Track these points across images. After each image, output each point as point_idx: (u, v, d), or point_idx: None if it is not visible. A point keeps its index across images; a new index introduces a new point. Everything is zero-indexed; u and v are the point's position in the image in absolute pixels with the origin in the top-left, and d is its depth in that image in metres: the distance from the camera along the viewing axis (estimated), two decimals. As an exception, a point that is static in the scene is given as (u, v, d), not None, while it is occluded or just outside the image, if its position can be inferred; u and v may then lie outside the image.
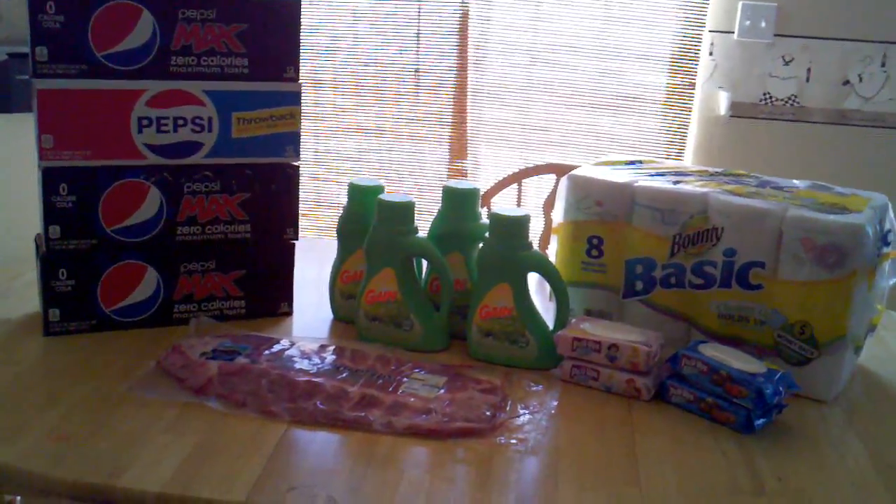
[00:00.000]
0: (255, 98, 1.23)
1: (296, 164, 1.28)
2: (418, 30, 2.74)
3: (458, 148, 2.85)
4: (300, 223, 1.32)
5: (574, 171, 1.31)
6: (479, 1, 2.72)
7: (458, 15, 2.74)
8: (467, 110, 2.81)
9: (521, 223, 1.19)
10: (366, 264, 1.25)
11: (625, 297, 1.27)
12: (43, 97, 1.13)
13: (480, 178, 2.87)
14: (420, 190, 2.88)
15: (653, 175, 1.31)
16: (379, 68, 2.81)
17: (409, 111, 2.83)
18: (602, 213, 1.27)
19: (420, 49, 2.75)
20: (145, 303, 1.23)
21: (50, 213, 1.16)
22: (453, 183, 1.29)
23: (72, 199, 1.16)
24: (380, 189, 1.29)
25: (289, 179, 1.28)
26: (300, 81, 1.25)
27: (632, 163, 1.39)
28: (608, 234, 1.27)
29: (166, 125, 1.19)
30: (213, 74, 1.20)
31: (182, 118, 1.19)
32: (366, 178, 1.32)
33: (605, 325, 1.19)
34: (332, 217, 2.93)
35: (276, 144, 1.26)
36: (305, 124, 1.24)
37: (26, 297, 1.28)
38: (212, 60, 1.19)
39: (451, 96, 2.80)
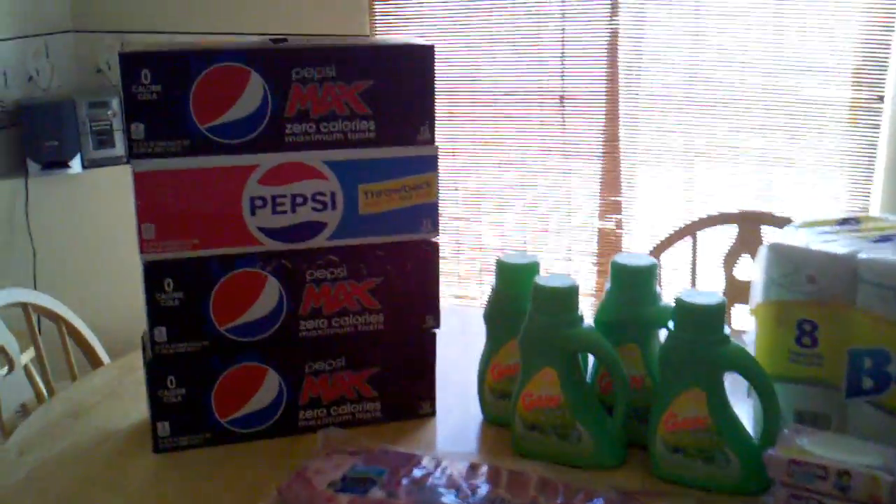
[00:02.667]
0: (385, 167, 1.04)
1: (434, 240, 1.08)
2: (562, 52, 2.51)
3: (611, 181, 2.60)
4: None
5: (777, 240, 1.05)
6: (630, 18, 2.46)
7: (607, 34, 2.49)
8: (619, 139, 2.55)
9: (716, 312, 0.95)
10: (521, 361, 1.03)
11: (849, 396, 1.01)
12: (141, 180, 0.97)
13: (637, 215, 2.61)
14: (569, 230, 2.65)
15: (879, 241, 1.04)
16: (520, 96, 2.59)
17: (554, 142, 2.61)
18: (816, 292, 1.01)
19: (565, 73, 2.52)
20: (266, 410, 1.06)
21: (155, 313, 1.00)
22: (624, 258, 1.06)
23: (178, 295, 1.00)
24: (534, 268, 1.08)
25: (427, 259, 1.08)
26: (436, 144, 1.05)
27: (845, 221, 1.12)
28: (824, 319, 1.01)
29: (283, 205, 1.01)
30: (334, 142, 1.01)
31: (301, 195, 1.01)
32: (518, 255, 1.11)
33: (828, 440, 0.93)
34: (471, 262, 2.73)
35: (411, 219, 1.06)
36: (441, 159, 1.04)
37: (139, 397, 1.13)
38: (333, 126, 1.01)
39: (601, 124, 2.56)
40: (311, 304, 1.05)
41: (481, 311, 1.12)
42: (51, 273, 2.60)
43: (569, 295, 1.00)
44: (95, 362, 1.31)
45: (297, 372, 1.06)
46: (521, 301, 1.06)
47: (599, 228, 2.66)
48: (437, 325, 1.11)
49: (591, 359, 1.07)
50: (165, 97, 0.95)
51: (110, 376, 1.21)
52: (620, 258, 1.06)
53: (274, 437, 1.06)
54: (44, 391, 1.29)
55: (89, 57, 2.98)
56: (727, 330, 0.96)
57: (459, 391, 1.16)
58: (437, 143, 1.05)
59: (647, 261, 1.05)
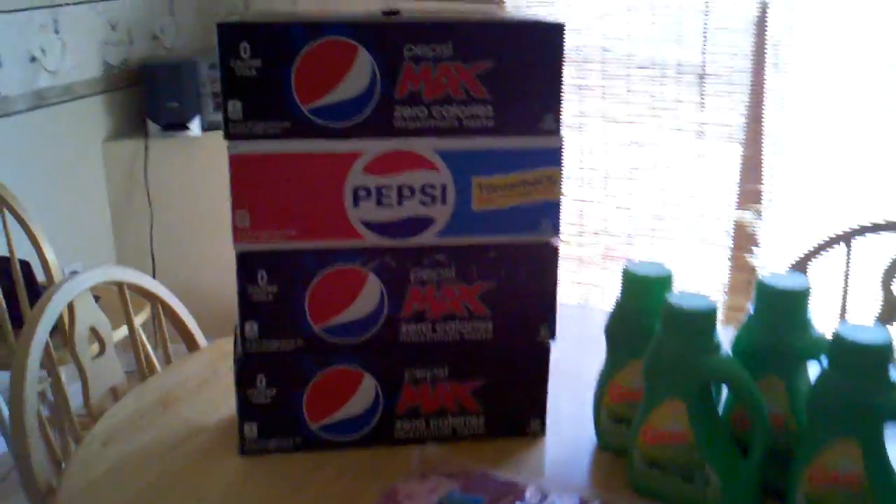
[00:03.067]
0: (503, 158, 0.92)
1: (554, 242, 0.97)
2: (705, 23, 2.31)
3: (751, 168, 2.40)
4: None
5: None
6: (783, -11, 2.26)
7: (756, 4, 2.28)
8: (763, 123, 2.35)
9: (881, 354, 0.80)
10: (645, 387, 0.91)
11: None
12: (237, 164, 0.89)
13: (777, 209, 2.40)
14: (701, 218, 2.46)
15: None
16: (655, 71, 2.42)
17: (691, 123, 2.42)
18: None
19: (707, 47, 2.33)
20: (361, 418, 0.97)
21: (246, 307, 0.92)
22: (772, 278, 0.92)
23: (272, 289, 0.92)
24: (667, 281, 0.95)
25: (545, 263, 0.97)
26: (562, 135, 0.93)
27: None
28: None
29: (389, 196, 0.91)
30: (448, 129, 0.91)
31: (409, 187, 0.91)
32: (648, 264, 0.98)
33: None
34: (594, 246, 2.59)
35: (529, 217, 0.95)
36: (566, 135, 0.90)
37: (231, 389, 1.05)
38: (447, 111, 0.90)
39: (744, 105, 2.36)
40: (414, 306, 0.95)
41: (601, 314, 1.01)
42: (166, 236, 2.60)
43: (706, 319, 0.87)
44: (192, 346, 1.26)
45: (395, 379, 0.97)
46: (648, 317, 0.93)
47: (735, 219, 2.47)
48: (553, 337, 1.00)
49: (724, 390, 0.94)
50: (265, 73, 0.87)
51: (204, 363, 1.15)
52: (768, 279, 0.92)
53: (367, 448, 0.98)
54: (151, 363, 1.24)
55: (214, 16, 2.96)
56: (893, 374, 0.81)
57: (572, 409, 1.05)
58: (562, 134, 0.93)
59: (799, 283, 0.91)
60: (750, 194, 2.44)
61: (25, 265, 1.82)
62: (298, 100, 0.88)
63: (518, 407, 1.01)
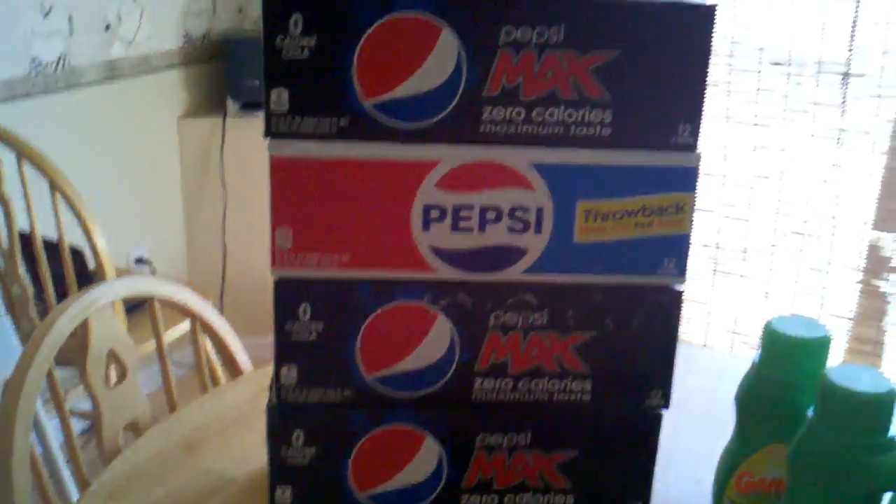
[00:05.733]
0: (620, 178, 0.72)
1: (679, 287, 0.75)
2: (855, 18, 2.04)
3: (893, 182, 2.12)
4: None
5: None
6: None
7: (915, -1, 2.00)
8: (915, 132, 2.07)
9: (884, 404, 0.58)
10: (788, 484, 0.70)
11: None
12: (280, 169, 0.70)
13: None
14: (832, 236, 2.19)
15: None
16: (792, 69, 2.15)
17: (829, 129, 2.15)
18: None
19: (854, 44, 2.05)
20: (419, 489, 0.79)
21: (285, 348, 0.74)
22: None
23: (317, 327, 0.74)
24: (824, 347, 0.73)
25: (665, 313, 0.76)
26: (699, 152, 0.72)
27: None
28: None
29: (468, 219, 0.72)
30: (550, 137, 0.70)
31: (495, 209, 0.71)
32: (798, 321, 0.76)
33: None
34: (705, 259, 2.34)
35: (649, 255, 0.74)
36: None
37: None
38: (551, 114, 0.70)
39: (893, 112, 2.08)
40: (492, 356, 0.75)
41: (709, 358, 0.80)
42: (240, 221, 2.46)
43: (881, 406, 0.65)
44: (234, 372, 1.09)
45: (465, 444, 0.78)
46: (797, 392, 0.72)
47: (871, 240, 2.19)
48: (666, 405, 0.78)
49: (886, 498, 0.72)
50: (321, 56, 0.68)
51: (243, 396, 0.98)
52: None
53: (425, 525, 0.79)
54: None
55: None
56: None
57: (679, 491, 0.84)
58: (700, 152, 0.72)
59: None
60: (890, 213, 2.15)
61: (77, 253, 1.69)
62: (360, 91, 0.68)
63: (616, 486, 0.81)
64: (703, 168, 0.76)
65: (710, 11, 0.68)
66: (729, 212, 2.33)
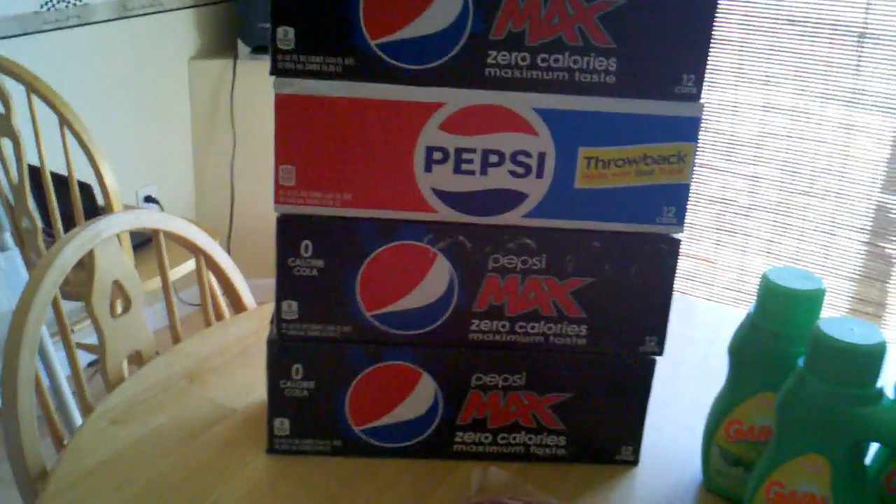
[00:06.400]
0: (623, 126, 0.72)
1: (676, 236, 0.76)
2: (871, -23, 2.01)
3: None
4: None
5: None
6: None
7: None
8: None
9: (873, 355, 0.61)
10: (775, 431, 0.71)
11: None
12: (285, 106, 0.71)
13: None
14: (837, 197, 2.18)
15: None
16: (806, 27, 2.13)
17: (842, 90, 2.13)
18: None
19: (871, 3, 2.03)
20: (414, 424, 0.80)
21: (286, 283, 0.75)
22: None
23: (318, 264, 0.75)
24: (818, 298, 0.74)
25: (662, 261, 0.77)
26: (702, 102, 0.72)
27: None
28: None
29: (471, 162, 0.72)
30: (555, 83, 0.71)
31: (497, 152, 0.72)
32: (793, 272, 0.77)
33: None
34: (711, 216, 2.34)
35: (648, 203, 0.75)
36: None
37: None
38: (555, 60, 0.70)
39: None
40: (490, 298, 0.77)
41: (709, 311, 0.81)
42: (248, 163, 2.47)
43: (871, 358, 0.66)
44: (238, 307, 1.11)
45: (460, 382, 0.79)
46: (789, 343, 0.74)
47: (878, 203, 2.19)
48: (660, 352, 0.80)
49: (872, 449, 0.74)
50: (328, -6, 0.68)
51: (246, 330, 1.00)
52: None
53: (419, 460, 0.81)
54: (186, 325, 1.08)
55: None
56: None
57: (673, 436, 0.86)
58: (702, 102, 0.72)
59: None
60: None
61: (86, 187, 1.70)
62: (367, 31, 0.69)
63: (608, 429, 0.82)
64: (712, 125, 0.75)
65: (718, -40, 0.68)
66: (736, 169, 2.33)
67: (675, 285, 0.78)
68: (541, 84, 0.71)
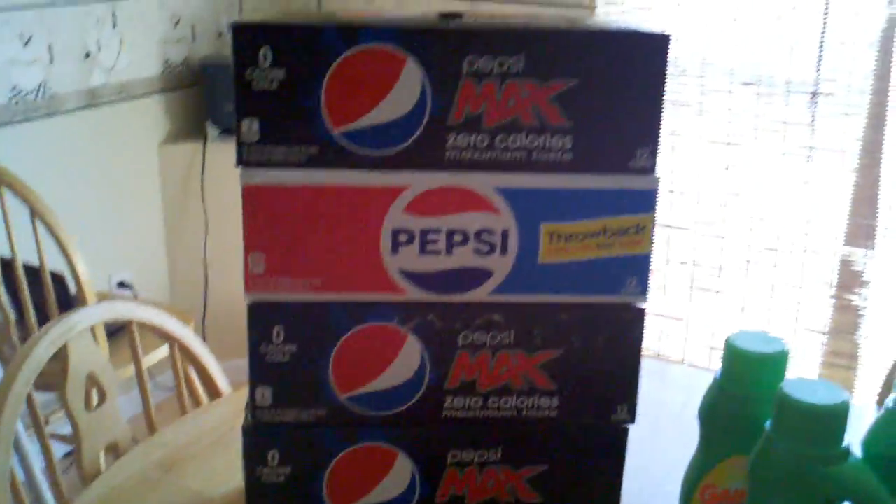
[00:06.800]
0: (582, 201, 0.74)
1: (641, 305, 0.78)
2: (823, 38, 2.08)
3: (864, 200, 2.15)
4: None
5: None
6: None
7: (883, 20, 2.04)
8: (882, 150, 2.11)
9: (837, 415, 0.63)
10: (748, 495, 0.72)
11: None
12: (252, 196, 0.73)
13: (891, 246, 2.15)
14: (803, 252, 2.22)
15: None
16: (761, 88, 2.19)
17: (799, 147, 2.19)
18: None
19: (822, 64, 2.09)
20: (392, 505, 0.81)
21: (259, 369, 0.76)
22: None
23: (291, 349, 0.76)
24: (781, 361, 0.76)
25: (628, 330, 0.78)
26: (658, 175, 0.75)
27: None
28: None
29: (436, 242, 0.74)
30: (513, 163, 0.73)
31: (461, 232, 0.74)
32: (758, 336, 0.78)
33: None
34: (681, 274, 2.37)
35: (612, 275, 0.76)
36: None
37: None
38: (514, 140, 0.73)
39: (861, 130, 2.12)
40: (461, 375, 0.78)
41: (683, 373, 0.82)
42: (221, 246, 2.48)
43: (834, 418, 0.68)
44: (213, 394, 1.11)
45: (436, 461, 0.80)
46: (756, 405, 0.75)
47: (842, 255, 2.23)
48: (632, 420, 0.81)
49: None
50: (290, 87, 0.70)
51: (220, 417, 1.00)
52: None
53: (399, 542, 0.81)
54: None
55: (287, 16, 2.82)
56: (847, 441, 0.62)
57: (650, 496, 0.87)
58: (658, 175, 0.75)
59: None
60: (861, 228, 2.19)
61: (58, 277, 1.70)
62: (329, 121, 0.71)
63: (585, 500, 0.83)
64: (679, 187, 0.78)
65: (663, 39, 0.71)
66: (705, 229, 2.37)
67: (649, 345, 0.80)
68: (500, 164, 0.73)
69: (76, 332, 0.94)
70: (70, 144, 2.22)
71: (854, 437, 0.69)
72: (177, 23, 2.48)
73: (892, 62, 2.06)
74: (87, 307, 0.97)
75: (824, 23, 2.09)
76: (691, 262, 2.40)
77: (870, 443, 0.73)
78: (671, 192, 2.35)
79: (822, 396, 0.68)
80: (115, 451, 1.00)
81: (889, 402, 0.74)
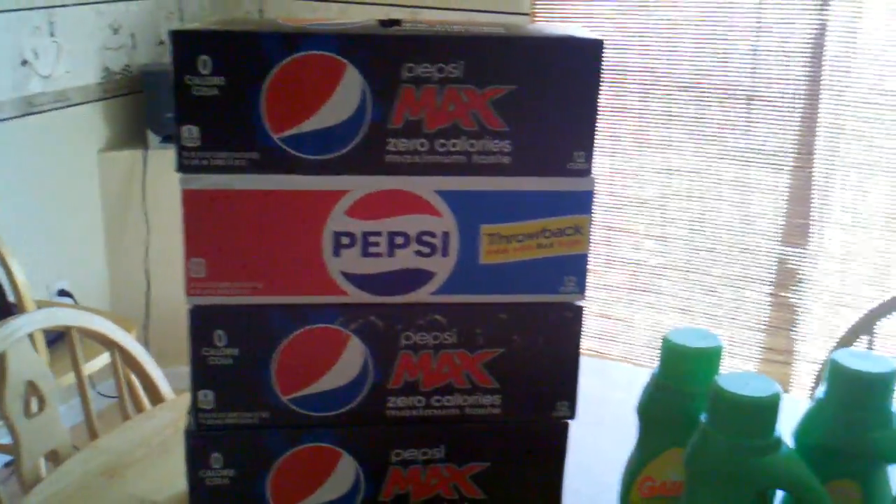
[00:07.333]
0: (520, 203, 0.76)
1: (579, 303, 0.80)
2: (756, 44, 2.13)
3: (799, 199, 2.21)
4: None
5: None
6: (843, 8, 2.07)
7: (814, 26, 2.11)
8: (814, 153, 2.17)
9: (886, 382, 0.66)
10: (685, 486, 0.74)
11: None
12: (192, 202, 0.73)
13: (828, 244, 2.22)
14: (742, 251, 2.27)
15: None
16: (699, 93, 2.24)
17: (735, 150, 2.24)
18: None
19: (757, 69, 2.15)
20: (337, 505, 0.81)
21: (201, 373, 0.76)
22: (848, 357, 0.75)
23: (232, 352, 0.76)
24: (715, 356, 0.78)
25: (567, 328, 0.80)
26: (593, 176, 0.77)
27: None
28: None
29: (377, 245, 0.75)
30: (453, 166, 0.74)
31: (402, 234, 0.75)
32: (693, 332, 0.81)
33: None
34: (622, 276, 2.41)
35: (550, 274, 0.78)
36: (598, 159, 0.72)
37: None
38: (453, 144, 0.74)
39: (795, 132, 2.18)
40: (404, 375, 0.79)
41: (625, 372, 0.84)
42: (162, 253, 2.46)
43: (766, 410, 0.70)
44: (155, 399, 1.10)
45: (379, 460, 0.81)
46: (692, 399, 0.77)
47: (778, 255, 2.29)
48: (572, 416, 0.83)
49: (778, 496, 0.77)
50: (229, 94, 0.71)
51: (163, 421, 0.99)
52: (843, 357, 0.75)
53: (344, 542, 0.82)
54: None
55: (227, 23, 2.80)
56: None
57: (590, 498, 0.88)
58: (593, 176, 0.77)
59: (884, 366, 0.73)
60: (796, 228, 2.25)
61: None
62: (269, 126, 0.72)
63: (528, 495, 0.84)
64: (618, 189, 0.80)
65: (597, 46, 0.73)
66: (645, 230, 2.41)
67: (593, 346, 0.81)
68: (440, 167, 0.74)
69: (15, 338, 0.93)
70: (7, 152, 2.19)
71: (790, 430, 0.72)
72: (116, 30, 2.45)
73: (822, 68, 2.13)
74: (25, 314, 0.95)
75: (757, 29, 2.14)
76: (633, 263, 2.44)
77: (801, 433, 0.76)
78: (612, 195, 2.39)
79: (754, 389, 0.70)
80: (55, 458, 0.99)
81: (818, 393, 0.76)
